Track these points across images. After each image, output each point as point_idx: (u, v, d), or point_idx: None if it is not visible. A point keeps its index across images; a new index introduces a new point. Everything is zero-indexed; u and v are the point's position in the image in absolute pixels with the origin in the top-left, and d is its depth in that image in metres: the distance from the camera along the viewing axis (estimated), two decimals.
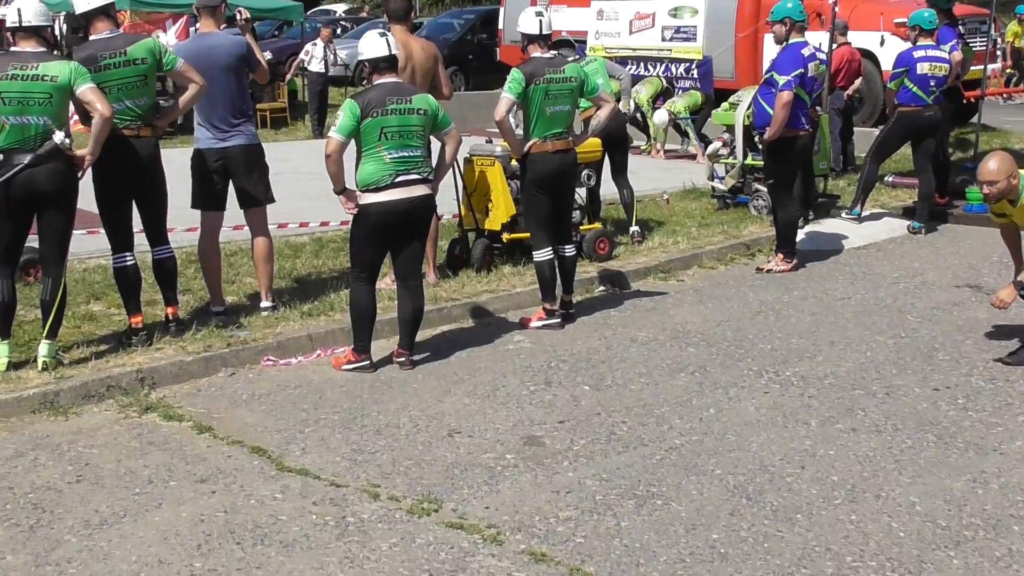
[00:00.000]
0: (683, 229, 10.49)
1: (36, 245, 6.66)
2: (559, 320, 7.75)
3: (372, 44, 6.61)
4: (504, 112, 7.35)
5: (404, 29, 7.95)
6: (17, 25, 6.31)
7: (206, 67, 7.09)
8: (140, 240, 7.14)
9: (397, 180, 6.53)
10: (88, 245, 8.71)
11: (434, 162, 6.89)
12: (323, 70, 19.70)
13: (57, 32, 22.79)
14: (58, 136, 6.19)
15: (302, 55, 20.16)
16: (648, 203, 11.63)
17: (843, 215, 11.08)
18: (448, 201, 8.83)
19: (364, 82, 6.83)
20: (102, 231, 7.11)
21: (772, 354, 7.12)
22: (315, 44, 20.01)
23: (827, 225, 10.93)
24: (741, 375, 6.72)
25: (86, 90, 6.26)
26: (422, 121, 6.59)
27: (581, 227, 9.35)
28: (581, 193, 9.50)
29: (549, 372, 6.82)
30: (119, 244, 6.96)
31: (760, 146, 10.02)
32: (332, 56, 20.01)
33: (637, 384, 6.60)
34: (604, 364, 6.98)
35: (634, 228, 10.04)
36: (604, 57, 12.02)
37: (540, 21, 7.55)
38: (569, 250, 7.90)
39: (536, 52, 7.58)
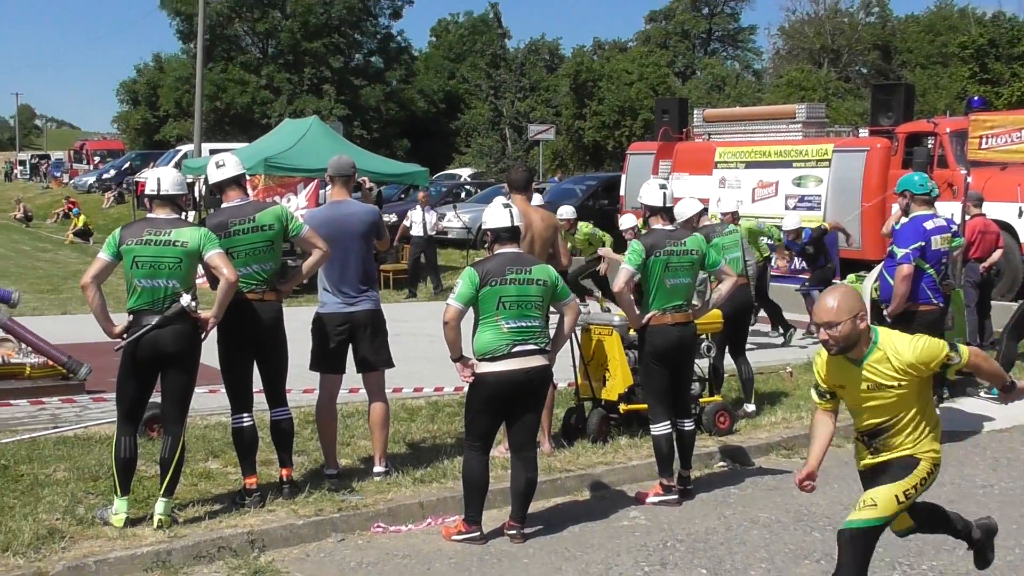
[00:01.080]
0: (807, 404, 10.17)
1: (159, 401, 6.77)
2: (676, 496, 7.51)
3: (496, 215, 6.68)
4: (623, 284, 7.31)
5: (525, 199, 8.05)
6: (155, 193, 6.57)
7: (340, 234, 7.28)
8: (259, 399, 7.21)
9: (514, 350, 6.49)
10: (210, 402, 8.84)
11: (551, 332, 6.84)
12: (422, 233, 20.06)
13: (197, 193, 23.94)
14: (185, 299, 6.37)
15: (405, 221, 20.61)
16: (771, 376, 11.37)
17: (982, 393, 10.62)
18: (564, 369, 8.74)
19: (485, 247, 6.90)
20: (223, 389, 7.20)
21: (905, 544, 6.73)
22: (415, 209, 20.48)
23: (965, 404, 10.50)
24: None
25: (214, 255, 6.45)
26: (541, 292, 6.58)
27: (700, 400, 9.15)
28: (701, 364, 9.33)
29: (665, 552, 6.57)
30: (238, 405, 7.03)
31: (888, 320, 9.76)
32: (433, 219, 20.38)
33: (758, 570, 6.31)
34: (723, 546, 6.69)
35: (750, 407, 9.81)
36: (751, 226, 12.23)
37: (664, 194, 7.57)
38: (688, 424, 7.71)
39: (658, 224, 7.57)
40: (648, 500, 7.50)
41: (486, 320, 6.52)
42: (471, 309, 6.54)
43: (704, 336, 8.94)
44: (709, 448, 8.67)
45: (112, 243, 6.48)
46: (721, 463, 8.58)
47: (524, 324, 6.52)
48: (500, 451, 7.72)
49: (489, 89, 55.97)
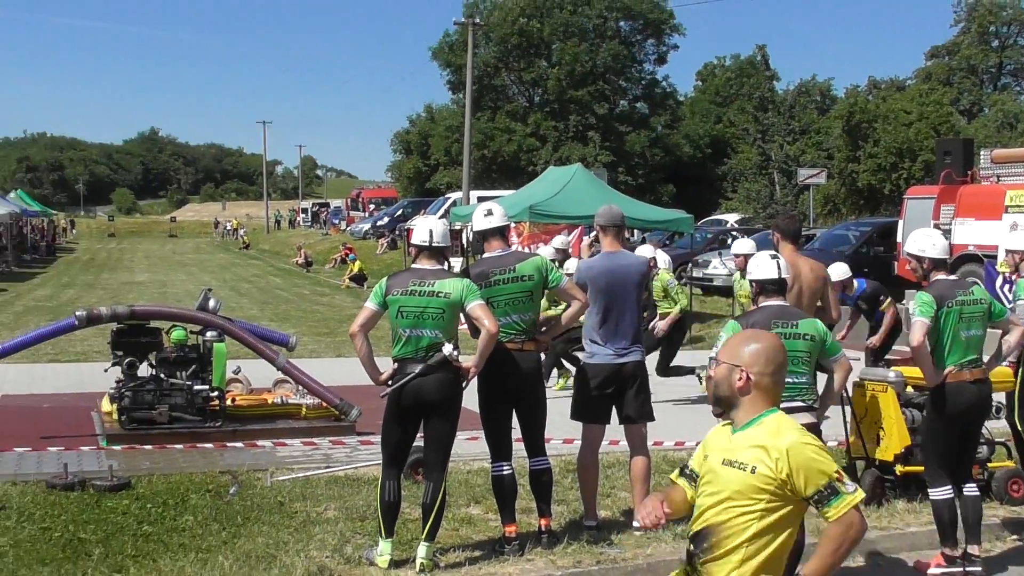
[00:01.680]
0: None
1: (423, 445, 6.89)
2: (962, 569, 6.94)
3: (762, 266, 6.44)
4: (921, 338, 6.84)
5: (794, 249, 7.74)
6: (426, 244, 6.72)
7: (616, 284, 7.26)
8: (519, 448, 7.21)
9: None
10: (472, 449, 8.94)
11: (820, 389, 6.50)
12: None
13: (464, 240, 24.62)
14: (447, 348, 6.47)
15: None
16: None
17: None
18: (835, 425, 8.32)
19: (752, 297, 6.66)
20: (483, 436, 7.26)
21: None
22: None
23: None
24: None
25: (475, 307, 6.52)
26: (808, 347, 6.27)
27: (989, 464, 8.48)
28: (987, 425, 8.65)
29: None
30: (498, 453, 7.06)
31: None
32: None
33: None
34: None
35: None
36: None
37: (945, 245, 7.13)
38: (972, 489, 7.13)
39: (940, 275, 7.10)
40: (930, 572, 6.97)
41: None
42: None
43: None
44: (999, 519, 7.98)
45: (379, 293, 6.66)
46: (1014, 537, 7.87)
47: (791, 380, 6.21)
48: None
49: (757, 133, 55.16)
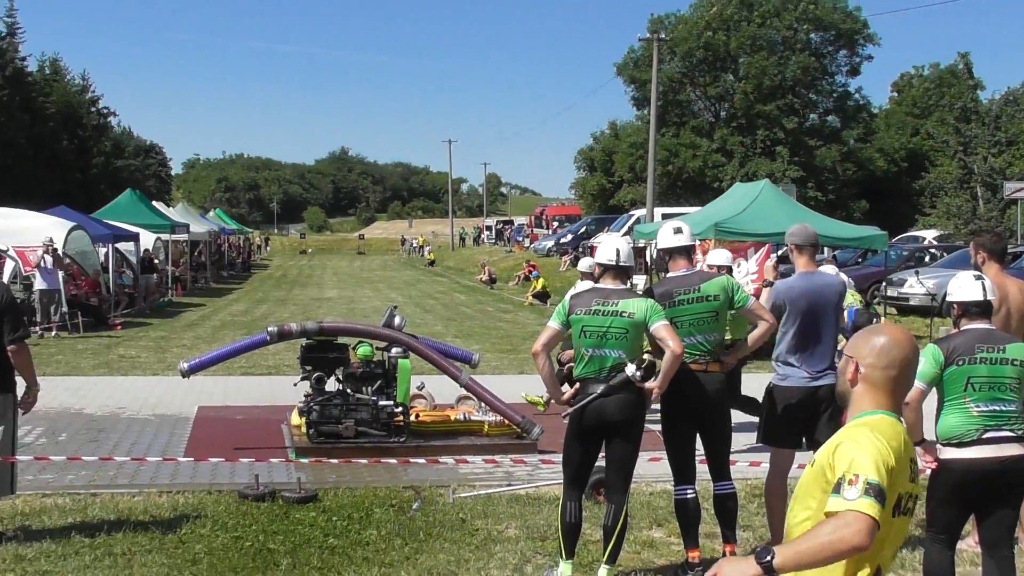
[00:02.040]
0: None
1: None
2: None
3: (965, 287, 6.06)
4: None
5: (1000, 268, 7.31)
6: (613, 263, 6.63)
7: (816, 305, 7.06)
8: (702, 470, 7.03)
9: (985, 436, 5.82)
10: (655, 470, 8.77)
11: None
12: None
13: (648, 257, 24.42)
14: (630, 369, 6.35)
15: None
16: None
17: None
18: None
19: (952, 319, 6.28)
20: (665, 458, 7.10)
21: None
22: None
23: None
24: None
25: (660, 327, 6.39)
26: (1017, 373, 5.86)
27: None
28: None
29: None
30: (681, 476, 6.90)
31: None
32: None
33: None
34: None
35: None
36: None
37: None
38: None
39: None
40: None
41: (952, 402, 5.91)
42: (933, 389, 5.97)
43: None
44: None
45: (562, 312, 6.61)
46: None
47: (997, 408, 5.84)
48: (969, 544, 7.00)
49: (958, 145, 52.81)
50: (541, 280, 35.41)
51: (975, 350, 5.82)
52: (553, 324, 6.63)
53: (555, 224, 64.80)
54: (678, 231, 7.09)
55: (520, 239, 67.06)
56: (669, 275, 7.08)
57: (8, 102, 71.72)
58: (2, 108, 70.51)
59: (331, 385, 10.55)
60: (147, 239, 31.89)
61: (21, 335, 7.27)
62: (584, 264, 13.20)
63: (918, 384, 5.85)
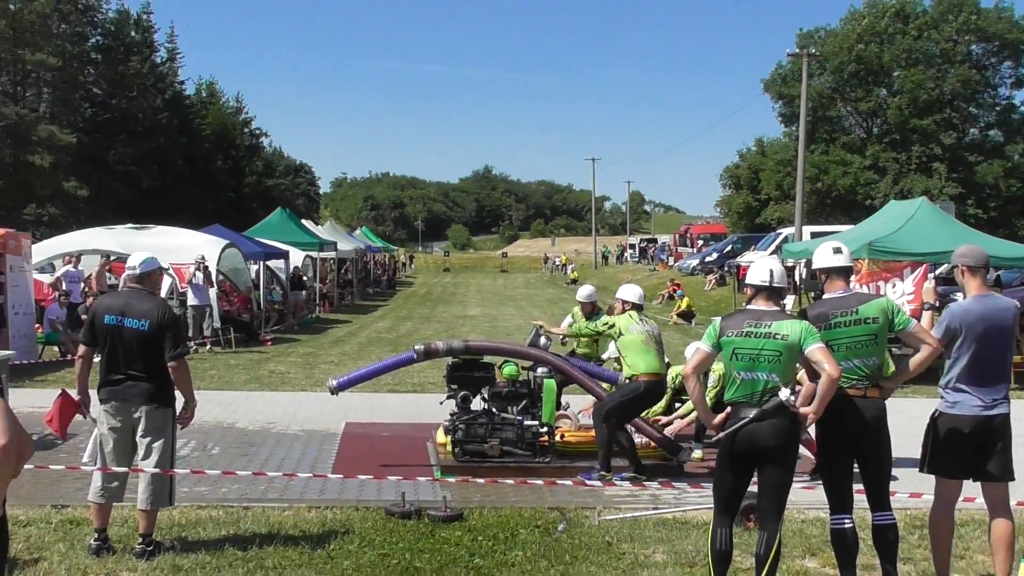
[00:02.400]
0: None
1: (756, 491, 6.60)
2: None
3: None
4: None
5: None
6: (766, 285, 6.45)
7: (993, 329, 6.73)
8: (859, 499, 6.75)
9: None
10: (808, 497, 8.50)
11: None
12: None
13: (797, 277, 23.89)
14: (784, 393, 6.15)
15: None
16: None
17: None
18: None
19: None
20: (820, 485, 6.86)
21: None
22: None
23: None
24: None
25: (815, 350, 6.18)
26: None
27: None
28: None
29: None
30: (838, 505, 6.65)
31: None
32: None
33: None
34: None
35: None
36: None
37: None
38: None
39: None
40: None
41: None
42: None
43: None
44: None
45: (712, 334, 6.46)
46: None
47: None
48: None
49: None
50: (686, 299, 35.00)
51: None
52: (703, 346, 6.49)
53: (700, 242, 64.16)
54: (837, 251, 6.86)
55: (664, 257, 66.55)
56: (825, 296, 6.85)
57: (167, 124, 74.77)
58: (162, 130, 73.53)
59: (476, 404, 10.57)
60: (296, 257, 32.72)
61: (181, 352, 7.47)
62: (582, 294, 12.59)
63: None
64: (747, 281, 6.63)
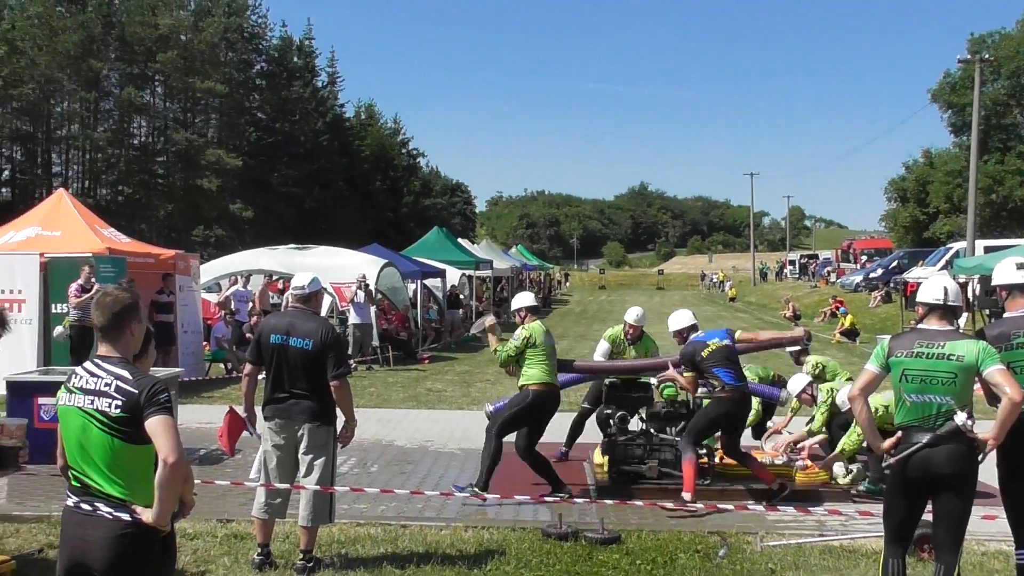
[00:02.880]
0: None
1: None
2: None
3: None
4: None
5: None
6: (939, 303, 6.13)
7: None
8: None
9: None
10: (988, 528, 8.03)
11: None
12: None
13: (970, 295, 22.91)
14: (960, 417, 5.82)
15: None
16: None
17: None
18: None
19: None
20: (1003, 515, 6.48)
21: None
22: None
23: None
24: None
25: (994, 372, 5.84)
26: None
27: None
28: None
29: None
30: (1023, 538, 6.26)
31: None
32: None
33: None
34: None
35: None
36: None
37: None
38: None
39: None
40: None
41: None
42: None
43: None
44: None
45: (880, 354, 6.16)
46: None
47: None
48: None
49: None
50: (849, 317, 33.98)
51: None
52: (871, 367, 6.20)
53: (863, 258, 62.40)
54: (1021, 266, 6.49)
55: (826, 274, 64.97)
56: (1006, 315, 6.48)
57: (328, 146, 77.00)
58: (322, 152, 75.74)
59: (634, 425, 10.42)
60: (453, 275, 33.06)
61: (344, 371, 7.55)
62: (632, 316, 11.60)
63: None
64: (919, 299, 6.32)
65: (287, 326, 7.57)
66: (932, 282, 6.31)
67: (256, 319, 20.04)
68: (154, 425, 4.18)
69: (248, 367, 7.80)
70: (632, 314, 11.64)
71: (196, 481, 8.73)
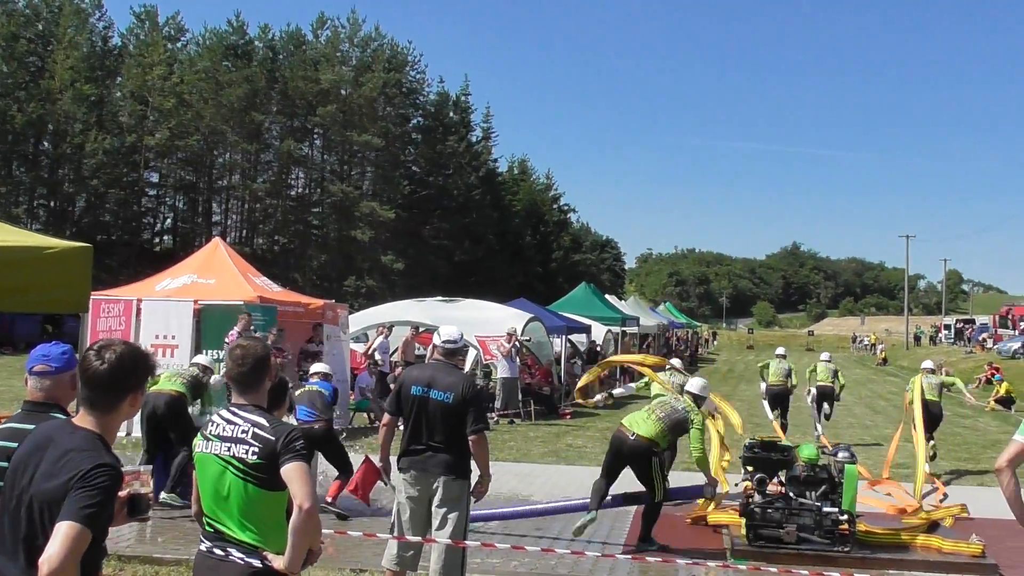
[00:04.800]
0: None
1: None
2: None
3: None
4: None
5: None
6: None
7: None
8: None
9: None
10: None
11: None
12: None
13: None
14: None
15: None
16: None
17: None
18: None
19: None
20: None
21: None
22: None
23: None
24: None
25: None
26: None
27: None
28: None
29: None
30: None
31: None
32: None
33: None
34: None
35: None
36: None
37: None
38: None
39: None
40: None
41: None
42: None
43: None
44: None
45: None
46: None
47: None
48: None
49: None
50: (1005, 384, 32.69)
51: None
52: (1020, 438, 6.00)
53: (1023, 324, 59.89)
54: None
55: (982, 339, 62.62)
56: None
57: (480, 200, 78.06)
58: (475, 206, 76.83)
59: (774, 488, 10.25)
60: (598, 331, 33.05)
61: (483, 427, 7.62)
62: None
63: None
64: None
65: (429, 378, 7.65)
66: None
67: (399, 370, 20.40)
68: (290, 472, 4.25)
69: (386, 417, 7.92)
70: (695, 385, 11.06)
71: (329, 531, 8.96)
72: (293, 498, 4.21)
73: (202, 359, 12.68)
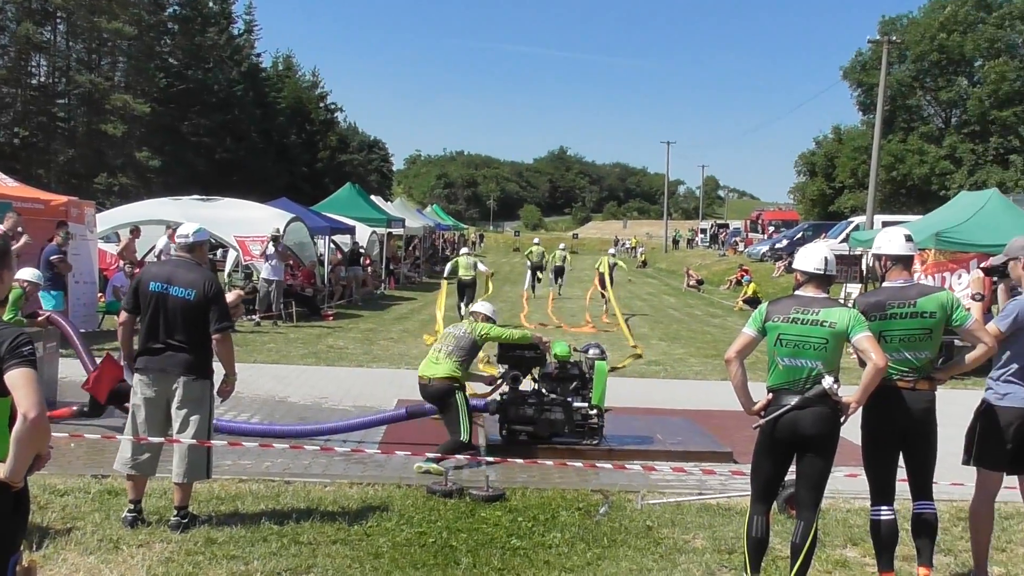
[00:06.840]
0: None
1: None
2: None
3: None
4: None
5: None
6: (820, 272, 6.31)
7: None
8: (902, 488, 6.57)
9: None
10: (853, 486, 8.28)
11: None
12: None
13: (863, 267, 23.40)
14: (827, 381, 6.02)
15: None
16: None
17: None
18: None
19: None
20: (862, 475, 6.69)
21: None
22: None
23: None
24: None
25: (862, 338, 6.04)
26: None
27: None
28: None
29: None
30: (878, 496, 6.51)
31: None
32: None
33: None
34: None
35: None
36: None
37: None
38: None
39: None
40: None
41: None
42: None
43: None
44: None
45: (758, 318, 6.34)
46: None
47: None
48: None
49: None
50: (752, 285, 34.61)
51: None
52: (748, 331, 6.35)
53: (771, 229, 63.44)
54: (908, 239, 6.66)
55: (734, 243, 65.95)
56: (885, 284, 6.65)
57: (242, 97, 75.40)
58: (237, 102, 74.14)
59: (527, 385, 10.49)
60: (363, 233, 32.84)
61: (227, 325, 7.43)
62: (485, 308, 10.77)
63: None
64: (798, 267, 6.48)
65: (168, 274, 7.40)
66: (812, 252, 6.46)
67: (130, 268, 19.55)
68: (15, 378, 3.93)
69: (123, 315, 7.60)
70: (485, 308, 10.94)
71: (63, 434, 8.56)
72: (18, 406, 3.88)
73: None
